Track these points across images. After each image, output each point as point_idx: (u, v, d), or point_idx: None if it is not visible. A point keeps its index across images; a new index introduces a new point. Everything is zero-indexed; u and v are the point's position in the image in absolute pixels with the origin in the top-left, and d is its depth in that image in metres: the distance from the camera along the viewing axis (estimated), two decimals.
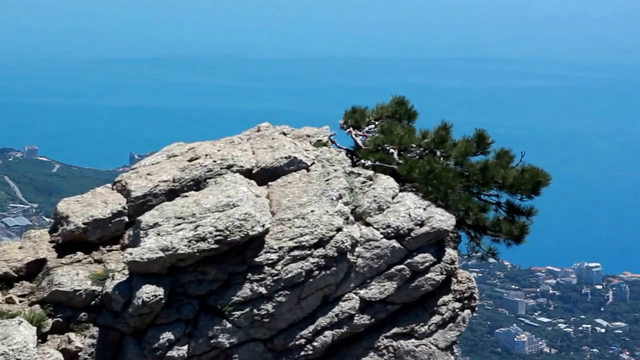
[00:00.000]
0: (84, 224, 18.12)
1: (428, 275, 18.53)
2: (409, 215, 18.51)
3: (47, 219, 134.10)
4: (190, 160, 19.30)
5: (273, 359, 17.16)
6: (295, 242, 17.29)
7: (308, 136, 20.55)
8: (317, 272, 17.31)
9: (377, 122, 21.23)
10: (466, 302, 19.32)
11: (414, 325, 18.46)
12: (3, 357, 15.07)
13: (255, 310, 16.88)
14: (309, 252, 17.28)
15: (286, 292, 17.06)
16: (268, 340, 17.14)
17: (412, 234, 18.41)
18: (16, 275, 17.59)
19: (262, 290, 16.93)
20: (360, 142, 20.66)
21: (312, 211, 17.74)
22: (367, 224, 18.39)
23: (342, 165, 19.16)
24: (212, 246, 16.73)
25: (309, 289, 17.28)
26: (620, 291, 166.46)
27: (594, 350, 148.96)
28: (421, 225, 18.54)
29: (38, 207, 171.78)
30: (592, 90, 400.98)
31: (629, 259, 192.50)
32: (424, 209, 18.78)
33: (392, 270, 18.24)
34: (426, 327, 18.57)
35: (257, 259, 17.09)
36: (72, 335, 16.66)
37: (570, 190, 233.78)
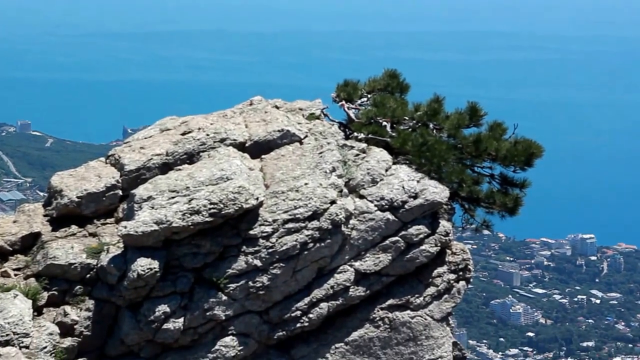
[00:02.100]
0: (77, 197, 18.12)
1: (422, 247, 18.57)
2: (403, 187, 18.54)
3: (41, 193, 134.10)
4: (183, 134, 19.29)
5: (269, 330, 17.23)
6: (290, 215, 17.32)
7: (301, 109, 20.54)
8: (311, 244, 17.35)
9: (369, 95, 21.22)
10: (461, 273, 19.39)
11: (409, 296, 18.52)
12: None
13: (250, 283, 16.93)
14: (303, 224, 17.31)
15: (281, 264, 17.10)
16: (264, 312, 17.19)
17: (406, 206, 18.44)
18: (11, 249, 17.59)
19: (257, 262, 16.97)
20: (352, 115, 20.64)
21: (305, 184, 17.76)
22: (361, 197, 18.42)
23: (335, 138, 19.17)
24: (207, 219, 16.76)
25: (303, 261, 17.33)
26: (615, 262, 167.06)
27: (590, 321, 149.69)
28: (415, 197, 18.57)
29: (32, 182, 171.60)
30: (584, 62, 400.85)
31: (623, 230, 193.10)
32: (418, 182, 18.81)
33: (387, 242, 18.28)
34: (421, 298, 18.64)
35: (251, 232, 17.12)
36: (67, 308, 16.67)
37: (564, 162, 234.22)
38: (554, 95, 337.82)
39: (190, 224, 16.66)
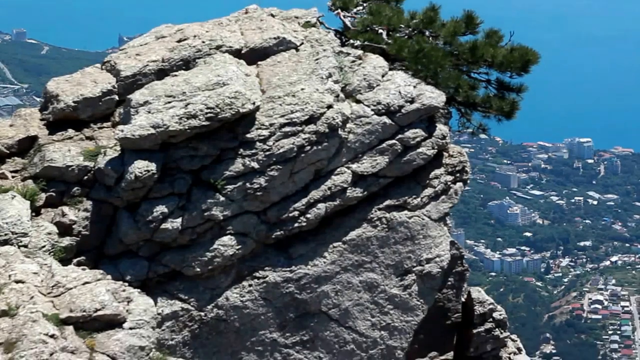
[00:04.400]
0: (74, 102, 18.12)
1: (419, 150, 18.71)
2: (399, 92, 18.61)
3: (38, 99, 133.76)
4: (179, 41, 19.24)
5: (267, 230, 17.42)
6: (286, 119, 17.40)
7: (296, 17, 20.47)
8: (308, 147, 17.46)
9: (365, 4, 21.19)
10: (458, 175, 19.56)
11: (406, 197, 18.69)
12: None
13: (248, 184, 17.06)
14: (300, 128, 17.40)
15: (278, 166, 17.23)
16: (261, 212, 17.35)
17: (402, 111, 18.53)
18: (8, 151, 17.61)
19: (255, 164, 17.10)
20: (348, 24, 20.66)
21: (302, 89, 17.81)
22: (358, 101, 18.49)
23: (331, 45, 19.17)
24: (203, 123, 16.82)
25: (301, 163, 17.45)
26: (612, 165, 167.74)
27: (587, 221, 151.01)
28: (411, 102, 18.66)
29: (28, 88, 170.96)
30: None
31: (619, 134, 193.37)
32: (414, 87, 18.89)
33: (384, 145, 18.40)
34: (419, 199, 18.82)
35: (248, 135, 17.21)
36: (65, 208, 16.75)
37: (560, 67, 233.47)
38: (551, 5, 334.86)
39: (187, 127, 16.73)
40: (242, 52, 18.93)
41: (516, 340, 22.48)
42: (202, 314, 17.25)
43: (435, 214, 19.04)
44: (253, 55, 18.90)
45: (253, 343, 17.67)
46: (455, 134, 21.26)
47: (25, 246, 15.27)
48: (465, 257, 21.41)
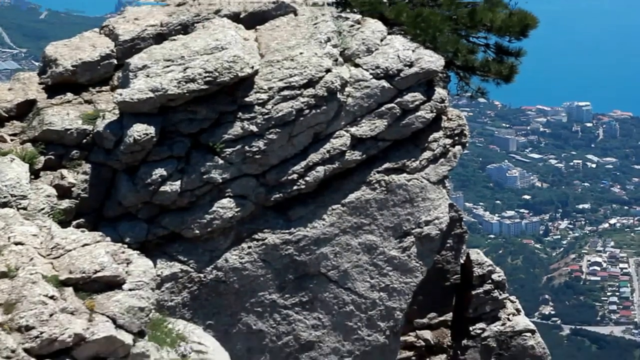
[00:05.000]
0: (72, 66, 18.10)
1: (418, 114, 18.76)
2: (398, 56, 18.63)
3: (37, 63, 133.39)
4: (177, 6, 19.25)
5: (266, 192, 17.47)
6: (285, 83, 17.42)
7: None
8: (307, 110, 17.49)
9: None
10: (457, 138, 19.62)
11: (405, 160, 18.75)
12: None
13: (246, 147, 17.09)
14: (298, 92, 17.42)
15: (277, 129, 17.26)
16: (260, 175, 17.41)
17: (401, 74, 18.55)
18: (7, 115, 17.58)
19: (253, 128, 17.13)
20: None
21: (301, 53, 17.82)
22: (357, 65, 18.50)
23: (330, 9, 19.17)
24: (202, 87, 16.81)
25: (299, 126, 17.48)
26: (611, 128, 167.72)
27: (585, 184, 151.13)
28: (410, 66, 18.68)
29: (27, 52, 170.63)
30: None
31: (618, 98, 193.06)
32: (413, 51, 18.90)
33: (383, 108, 18.44)
34: (417, 162, 18.88)
35: (247, 99, 17.22)
36: (64, 171, 16.76)
37: (559, 30, 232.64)
38: None
39: (185, 91, 16.74)
40: (241, 16, 18.94)
41: (515, 302, 22.65)
42: (202, 275, 17.34)
43: (434, 177, 19.11)
44: (252, 20, 18.90)
45: (252, 304, 17.80)
46: (454, 97, 21.34)
47: (25, 208, 15.25)
48: (464, 219, 21.55)
